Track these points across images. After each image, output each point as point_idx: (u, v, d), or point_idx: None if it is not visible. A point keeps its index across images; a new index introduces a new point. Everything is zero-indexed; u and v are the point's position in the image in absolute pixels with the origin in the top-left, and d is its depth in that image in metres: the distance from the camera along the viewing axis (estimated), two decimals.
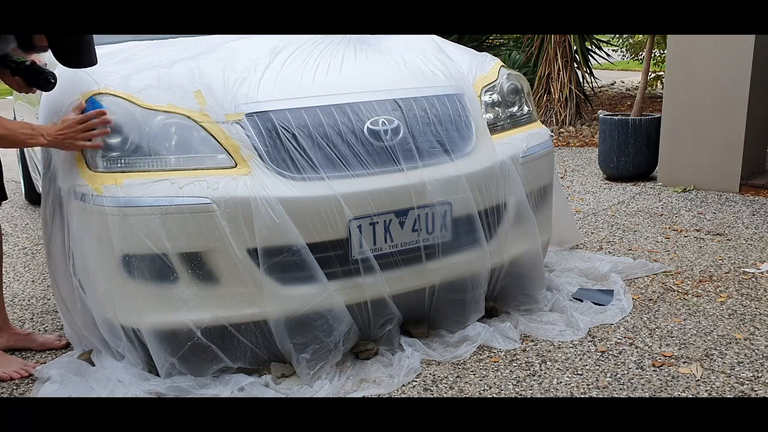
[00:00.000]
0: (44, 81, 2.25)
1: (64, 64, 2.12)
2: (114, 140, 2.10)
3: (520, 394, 2.15)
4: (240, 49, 2.40)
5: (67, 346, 2.54)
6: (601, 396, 2.12)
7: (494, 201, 2.41)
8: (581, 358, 2.34)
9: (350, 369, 2.27)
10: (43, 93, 2.36)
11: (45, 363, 2.35)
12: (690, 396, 2.11)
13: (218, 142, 2.11)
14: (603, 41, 8.91)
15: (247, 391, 2.13)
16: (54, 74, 2.26)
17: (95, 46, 2.14)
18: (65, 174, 2.14)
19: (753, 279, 3.01)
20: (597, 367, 2.29)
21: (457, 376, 2.25)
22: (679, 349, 2.40)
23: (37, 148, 2.64)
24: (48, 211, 2.26)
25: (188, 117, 2.12)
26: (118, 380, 2.16)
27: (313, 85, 2.27)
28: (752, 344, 2.41)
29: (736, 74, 4.36)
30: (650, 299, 2.82)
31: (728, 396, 2.10)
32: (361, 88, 2.32)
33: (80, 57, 2.11)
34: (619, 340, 2.47)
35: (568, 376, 2.24)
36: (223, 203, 2.03)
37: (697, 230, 3.74)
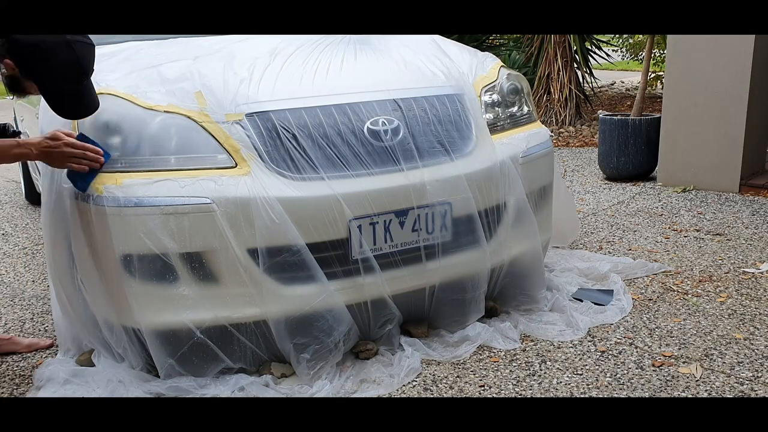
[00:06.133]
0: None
1: (57, 113, 2.03)
2: (114, 140, 2.10)
3: (520, 394, 2.15)
4: (240, 49, 2.40)
5: (52, 345, 2.56)
6: (601, 396, 2.12)
7: (494, 201, 2.41)
8: (581, 358, 2.35)
9: (350, 369, 2.27)
10: None
11: (34, 363, 2.36)
12: (690, 396, 2.11)
13: (218, 142, 2.11)
14: (603, 41, 8.91)
15: (247, 391, 2.13)
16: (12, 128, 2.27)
17: (93, 92, 2.03)
18: (66, 174, 2.14)
19: (753, 279, 3.01)
20: (597, 367, 2.29)
21: (457, 376, 2.25)
22: (679, 349, 2.40)
23: None
24: (49, 212, 2.26)
25: (188, 117, 2.12)
26: (119, 381, 2.16)
27: (313, 85, 2.27)
28: (752, 344, 2.42)
29: (736, 74, 4.36)
30: (650, 299, 2.82)
31: (728, 396, 2.10)
32: (361, 88, 2.32)
33: (74, 106, 2.01)
34: (618, 340, 2.47)
35: (568, 376, 2.24)
36: (224, 203, 2.03)
37: (697, 230, 3.74)
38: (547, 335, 2.50)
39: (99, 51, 2.25)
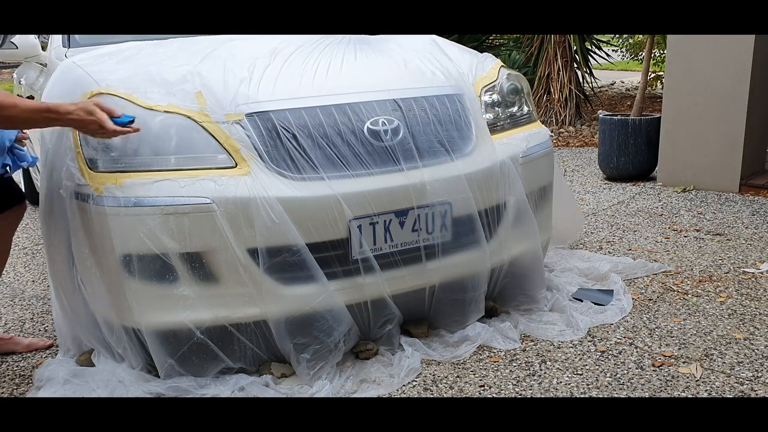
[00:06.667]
0: None
1: None
2: (114, 140, 2.09)
3: (520, 394, 2.15)
4: (240, 49, 2.40)
5: (51, 346, 2.56)
6: (601, 396, 2.12)
7: (494, 201, 2.41)
8: (581, 358, 2.35)
9: (350, 369, 2.27)
10: (44, 93, 2.36)
11: (34, 363, 2.36)
12: (690, 396, 2.11)
13: (218, 142, 2.11)
14: (603, 41, 8.92)
15: (247, 391, 2.13)
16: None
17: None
18: (65, 174, 2.14)
19: (753, 279, 3.01)
20: (597, 367, 2.29)
21: (457, 376, 2.25)
22: (679, 349, 2.40)
23: (38, 148, 2.64)
24: (48, 212, 2.26)
25: (188, 117, 2.12)
26: (119, 381, 2.16)
27: (313, 85, 2.27)
28: (752, 344, 2.42)
29: (736, 74, 4.36)
30: (650, 299, 2.82)
31: (728, 396, 2.10)
32: (361, 88, 2.32)
33: None
34: (618, 340, 2.47)
35: (567, 376, 2.24)
36: (224, 203, 2.03)
37: (697, 230, 3.74)
38: (547, 335, 2.50)
39: (99, 51, 2.26)
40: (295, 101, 2.20)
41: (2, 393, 2.27)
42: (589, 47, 8.15)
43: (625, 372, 2.25)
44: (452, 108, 2.41)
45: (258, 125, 2.13)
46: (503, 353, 2.39)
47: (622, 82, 11.73)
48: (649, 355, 2.36)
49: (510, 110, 2.68)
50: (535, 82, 7.44)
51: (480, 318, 2.51)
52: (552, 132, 4.44)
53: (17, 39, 2.81)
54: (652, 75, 8.81)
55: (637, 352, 2.38)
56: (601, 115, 5.07)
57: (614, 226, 3.86)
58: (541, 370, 2.28)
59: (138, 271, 2.04)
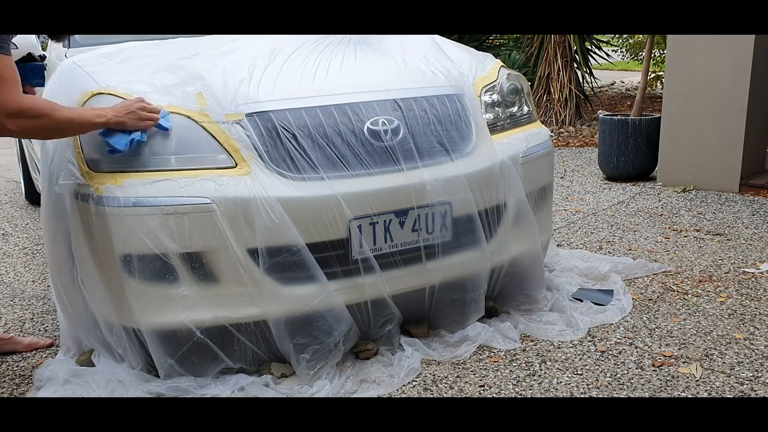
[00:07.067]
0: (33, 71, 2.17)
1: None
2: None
3: (520, 394, 2.15)
4: (240, 49, 2.40)
5: (52, 345, 2.56)
6: (600, 396, 2.12)
7: (494, 201, 2.41)
8: (581, 358, 2.35)
9: (350, 369, 2.27)
10: (44, 93, 2.36)
11: (34, 363, 2.36)
12: (690, 396, 2.11)
13: (218, 142, 2.11)
14: (603, 41, 8.92)
15: (247, 391, 2.13)
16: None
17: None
18: (65, 174, 2.14)
19: (753, 279, 3.01)
20: (597, 367, 2.29)
21: (457, 376, 2.25)
22: (679, 349, 2.40)
23: (38, 148, 2.65)
24: (49, 212, 2.26)
25: (188, 117, 2.12)
26: (119, 381, 2.16)
27: (313, 85, 2.27)
28: (752, 344, 2.42)
29: (736, 74, 4.36)
30: (650, 299, 2.82)
31: (728, 396, 2.10)
32: (361, 88, 2.32)
33: None
34: (618, 340, 2.47)
35: (567, 376, 2.24)
36: (224, 203, 2.03)
37: (697, 230, 3.74)
38: (547, 335, 2.50)
39: (99, 51, 2.25)
40: (295, 101, 2.20)
41: (2, 393, 2.27)
42: (589, 47, 8.16)
43: (625, 372, 2.25)
44: (452, 108, 2.41)
45: (258, 125, 2.14)
46: (503, 353, 2.39)
47: (622, 82, 11.74)
48: (649, 355, 2.36)
49: (510, 110, 2.68)
50: (535, 82, 7.44)
51: (480, 318, 2.51)
52: (552, 132, 4.45)
53: (17, 39, 2.83)
54: (652, 75, 8.82)
55: (637, 352, 2.38)
56: (601, 115, 5.07)
57: (614, 226, 3.86)
58: (541, 370, 2.28)
59: (138, 271, 2.04)
